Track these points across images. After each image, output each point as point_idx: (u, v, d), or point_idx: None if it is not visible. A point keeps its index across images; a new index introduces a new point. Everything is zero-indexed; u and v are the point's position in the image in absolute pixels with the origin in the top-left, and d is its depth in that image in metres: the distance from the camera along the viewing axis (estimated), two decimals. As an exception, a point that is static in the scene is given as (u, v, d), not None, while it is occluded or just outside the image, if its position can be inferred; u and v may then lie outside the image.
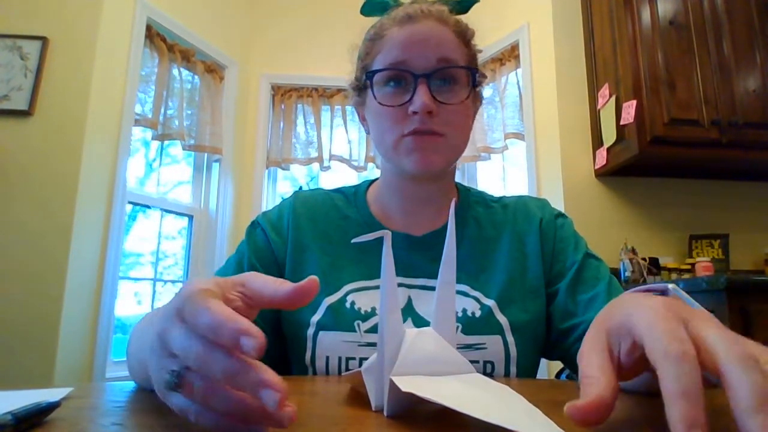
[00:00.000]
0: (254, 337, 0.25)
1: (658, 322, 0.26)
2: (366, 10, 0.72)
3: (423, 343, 0.35)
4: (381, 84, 0.65)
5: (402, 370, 0.32)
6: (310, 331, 0.62)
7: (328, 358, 0.61)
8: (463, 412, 0.26)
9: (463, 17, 0.70)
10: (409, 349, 0.34)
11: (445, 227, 0.68)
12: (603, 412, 0.25)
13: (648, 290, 0.39)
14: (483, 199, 0.75)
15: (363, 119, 0.73)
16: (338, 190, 0.76)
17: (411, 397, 0.29)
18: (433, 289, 0.64)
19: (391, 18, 0.67)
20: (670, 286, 0.38)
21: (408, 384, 0.30)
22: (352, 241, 0.40)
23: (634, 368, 0.30)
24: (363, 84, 0.68)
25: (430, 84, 0.62)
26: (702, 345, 0.25)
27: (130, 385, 0.45)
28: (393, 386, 0.31)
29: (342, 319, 0.62)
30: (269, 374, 0.26)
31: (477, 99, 0.71)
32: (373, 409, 0.34)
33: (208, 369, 0.26)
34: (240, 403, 0.27)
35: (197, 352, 0.26)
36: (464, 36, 0.67)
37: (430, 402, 0.28)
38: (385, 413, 0.32)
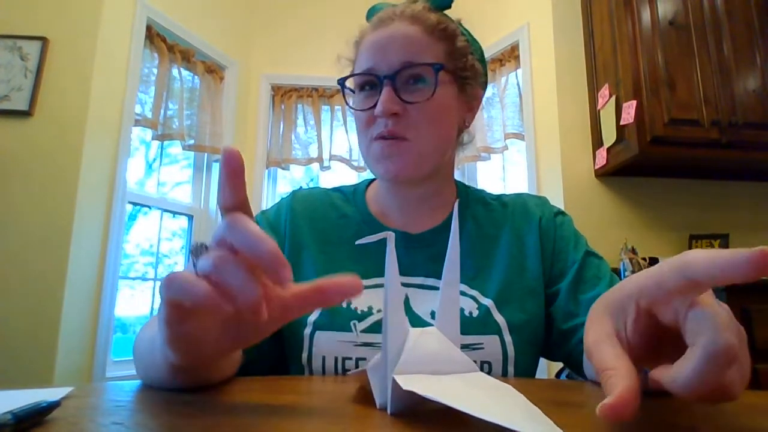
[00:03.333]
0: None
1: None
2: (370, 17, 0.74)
3: (426, 342, 0.35)
4: (356, 90, 0.66)
5: (405, 368, 0.32)
6: (307, 330, 0.62)
7: (324, 358, 0.60)
8: (465, 411, 0.26)
9: (450, 12, 0.69)
10: (413, 348, 0.34)
11: (443, 224, 0.68)
12: (634, 402, 0.24)
13: None
14: (482, 197, 0.75)
15: None
16: (337, 189, 0.76)
17: (414, 395, 0.29)
18: (430, 288, 0.64)
19: (369, 22, 0.68)
20: None
21: (410, 382, 0.30)
22: (357, 242, 0.40)
23: (644, 343, 0.29)
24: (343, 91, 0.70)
25: (396, 85, 0.62)
26: None
27: (130, 384, 0.45)
28: (396, 384, 0.31)
29: (338, 318, 0.62)
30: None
31: (463, 92, 0.68)
32: (378, 407, 0.34)
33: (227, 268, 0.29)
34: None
35: (221, 256, 0.29)
36: (443, 31, 0.65)
37: (433, 401, 0.28)
38: (388, 411, 0.32)
